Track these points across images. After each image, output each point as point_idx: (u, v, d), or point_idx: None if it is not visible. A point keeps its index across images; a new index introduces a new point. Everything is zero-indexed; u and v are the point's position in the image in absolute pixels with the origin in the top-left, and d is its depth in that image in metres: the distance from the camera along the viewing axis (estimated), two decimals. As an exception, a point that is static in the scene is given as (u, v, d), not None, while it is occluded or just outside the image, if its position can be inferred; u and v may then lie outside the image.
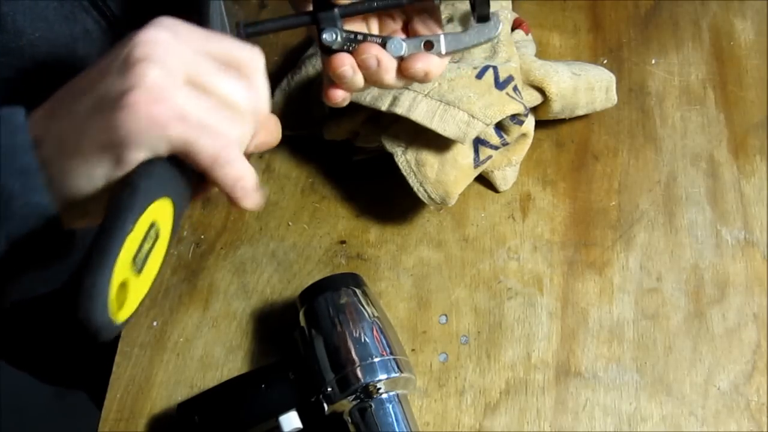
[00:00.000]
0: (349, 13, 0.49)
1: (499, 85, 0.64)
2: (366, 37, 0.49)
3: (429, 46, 0.49)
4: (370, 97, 0.65)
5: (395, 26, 0.53)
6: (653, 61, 0.81)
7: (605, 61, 0.81)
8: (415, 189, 0.66)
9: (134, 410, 0.62)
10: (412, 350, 0.64)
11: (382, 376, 0.55)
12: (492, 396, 0.62)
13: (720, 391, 0.62)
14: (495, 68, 0.65)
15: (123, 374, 0.64)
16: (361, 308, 0.59)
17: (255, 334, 0.66)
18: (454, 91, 0.63)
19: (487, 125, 0.63)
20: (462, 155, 0.66)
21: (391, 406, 0.56)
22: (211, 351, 0.65)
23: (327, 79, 0.51)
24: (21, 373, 1.02)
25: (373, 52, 0.49)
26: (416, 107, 0.63)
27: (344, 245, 0.70)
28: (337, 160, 0.75)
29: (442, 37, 0.49)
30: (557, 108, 0.71)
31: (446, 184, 0.65)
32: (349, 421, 0.57)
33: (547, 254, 0.69)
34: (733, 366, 0.63)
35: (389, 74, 0.50)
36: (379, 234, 0.71)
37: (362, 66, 0.49)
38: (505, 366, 0.64)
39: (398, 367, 0.56)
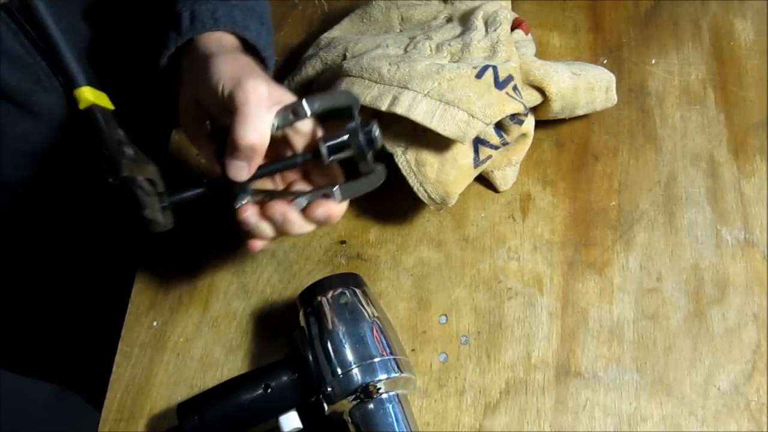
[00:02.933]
0: (256, 177, 0.56)
1: (499, 84, 0.64)
2: (274, 193, 0.57)
3: (327, 196, 0.56)
4: (369, 97, 0.65)
5: (294, 176, 0.60)
6: (653, 61, 0.81)
7: (605, 61, 0.81)
8: (415, 189, 0.66)
9: (134, 410, 0.62)
10: (412, 350, 0.64)
11: (382, 376, 0.55)
12: (492, 396, 0.62)
13: (720, 391, 0.62)
14: (495, 68, 0.65)
15: (123, 374, 0.64)
16: (361, 308, 0.59)
17: (255, 334, 0.66)
18: (453, 91, 0.63)
19: (487, 125, 0.63)
20: (462, 155, 0.66)
21: (391, 406, 0.56)
22: (211, 351, 0.65)
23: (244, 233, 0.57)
24: (21, 377, 1.02)
25: (278, 209, 0.55)
26: (416, 107, 0.63)
27: (344, 245, 0.70)
28: (337, 160, 0.74)
29: (336, 189, 0.56)
30: (557, 108, 0.71)
31: (446, 184, 0.65)
32: (349, 421, 0.57)
33: (547, 254, 0.69)
34: (733, 366, 0.63)
35: (295, 225, 0.56)
36: (379, 234, 0.71)
37: (269, 219, 0.56)
38: (505, 366, 0.64)
39: (398, 367, 0.56)
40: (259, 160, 0.54)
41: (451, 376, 0.63)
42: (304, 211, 0.56)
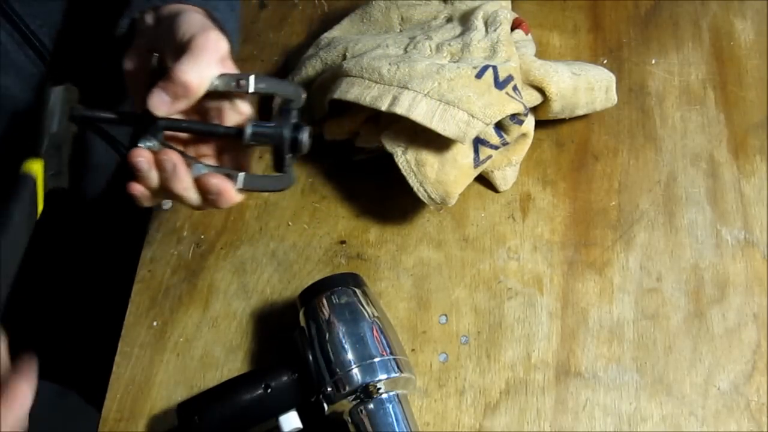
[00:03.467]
0: (170, 127, 0.54)
1: (499, 84, 0.64)
2: (179, 153, 0.54)
3: (228, 177, 0.53)
4: (369, 97, 0.65)
5: (208, 151, 0.56)
6: (653, 61, 0.81)
7: (605, 61, 0.81)
8: (415, 189, 0.66)
9: (134, 410, 0.62)
10: (412, 350, 0.64)
11: (382, 376, 0.55)
12: (492, 396, 0.62)
13: (720, 391, 0.62)
14: (495, 68, 0.65)
15: (123, 374, 0.64)
16: (361, 308, 0.59)
17: (255, 334, 0.66)
18: (453, 91, 0.63)
19: (487, 125, 0.63)
20: (462, 155, 0.66)
21: (391, 406, 0.56)
22: (211, 351, 0.65)
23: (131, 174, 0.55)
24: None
25: (172, 157, 0.52)
26: (416, 107, 0.63)
27: (344, 245, 0.70)
28: (337, 160, 0.75)
29: (241, 175, 0.53)
30: (557, 108, 0.71)
31: (446, 184, 0.65)
32: (349, 421, 0.57)
33: (547, 254, 0.69)
34: (733, 366, 0.63)
35: (182, 183, 0.53)
36: (379, 234, 0.71)
37: (159, 166, 0.52)
38: (505, 366, 0.64)
39: (398, 367, 0.56)
40: (184, 103, 0.52)
41: (451, 376, 0.63)
42: (199, 178, 0.53)
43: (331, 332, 0.57)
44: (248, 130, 0.54)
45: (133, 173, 0.53)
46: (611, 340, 0.65)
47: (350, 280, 0.61)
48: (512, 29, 0.73)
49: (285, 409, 0.57)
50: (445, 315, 0.66)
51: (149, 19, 0.57)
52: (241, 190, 0.54)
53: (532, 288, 0.67)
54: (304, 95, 0.57)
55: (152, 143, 0.53)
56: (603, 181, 0.73)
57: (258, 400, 0.57)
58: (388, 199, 0.72)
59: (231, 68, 0.54)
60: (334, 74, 0.70)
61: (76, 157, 0.61)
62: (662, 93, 0.79)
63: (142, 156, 0.52)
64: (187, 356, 0.65)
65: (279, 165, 0.55)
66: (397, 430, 0.55)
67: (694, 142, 0.75)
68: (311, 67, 0.74)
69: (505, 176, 0.72)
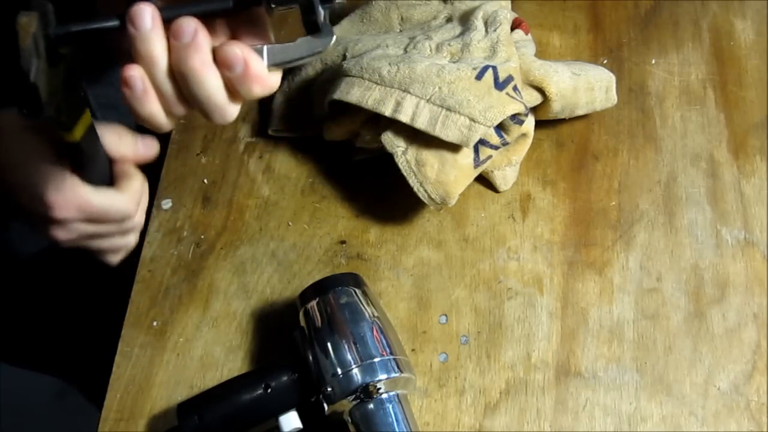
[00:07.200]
0: (170, 16, 0.42)
1: (499, 85, 0.64)
2: None
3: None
4: (372, 100, 0.65)
5: (222, 39, 0.45)
6: (653, 61, 0.81)
7: (605, 61, 0.81)
8: (415, 189, 0.66)
9: (134, 410, 0.62)
10: (412, 350, 0.64)
11: (382, 376, 0.55)
12: (492, 396, 0.62)
13: (720, 391, 0.62)
14: (494, 68, 0.65)
15: (123, 374, 0.64)
16: (361, 308, 0.59)
17: (255, 334, 0.66)
18: (454, 95, 0.63)
19: (488, 128, 0.63)
20: (462, 155, 0.66)
21: (391, 406, 0.56)
22: (211, 351, 0.65)
23: (126, 56, 0.41)
24: (21, 373, 1.02)
25: (191, 22, 0.40)
26: (419, 115, 0.63)
27: (344, 245, 0.70)
28: (337, 160, 0.74)
29: (266, 47, 0.43)
30: (557, 108, 0.71)
31: (446, 184, 0.65)
32: (349, 421, 0.57)
33: (547, 254, 0.69)
34: (733, 366, 0.63)
35: (201, 54, 0.41)
36: (379, 234, 0.71)
37: (176, 33, 0.41)
38: (505, 366, 0.64)
39: (398, 367, 0.56)
40: None
41: (451, 376, 0.63)
42: (216, 50, 0.42)
43: (331, 332, 0.57)
44: None
45: (129, 46, 0.40)
46: (611, 340, 0.65)
47: (350, 280, 0.61)
48: (512, 29, 0.73)
49: (285, 409, 0.57)
50: (445, 315, 0.66)
51: None
52: (274, 66, 0.44)
53: (532, 288, 0.67)
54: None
55: None
56: (603, 181, 0.73)
57: (258, 400, 0.57)
58: (388, 199, 0.72)
59: None
60: (334, 74, 0.70)
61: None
62: (662, 93, 0.79)
63: (147, 12, 0.39)
64: (187, 356, 0.65)
65: (312, 23, 0.44)
66: (397, 430, 0.55)
67: (694, 142, 0.75)
68: (311, 67, 0.74)
69: (505, 176, 0.72)
